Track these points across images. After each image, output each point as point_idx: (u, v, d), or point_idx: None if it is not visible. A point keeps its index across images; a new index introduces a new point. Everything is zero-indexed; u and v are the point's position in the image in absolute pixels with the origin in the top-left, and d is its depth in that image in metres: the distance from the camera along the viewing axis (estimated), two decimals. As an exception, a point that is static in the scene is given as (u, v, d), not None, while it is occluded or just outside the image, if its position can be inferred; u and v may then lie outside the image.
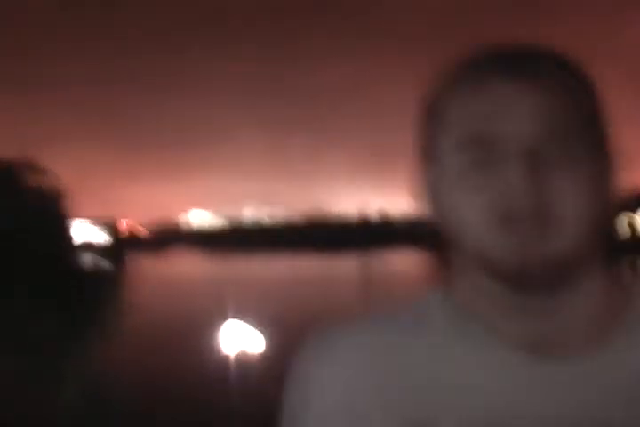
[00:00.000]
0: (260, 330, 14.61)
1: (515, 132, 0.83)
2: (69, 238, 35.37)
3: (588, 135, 0.85)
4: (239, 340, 13.86)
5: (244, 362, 11.84)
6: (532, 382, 0.88)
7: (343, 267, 44.51)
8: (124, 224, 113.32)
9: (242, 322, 15.82)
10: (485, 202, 0.84)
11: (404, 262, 46.65)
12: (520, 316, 0.89)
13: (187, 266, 52.25)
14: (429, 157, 0.91)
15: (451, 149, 0.87)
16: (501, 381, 0.89)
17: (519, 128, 0.83)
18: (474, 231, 0.85)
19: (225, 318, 16.44)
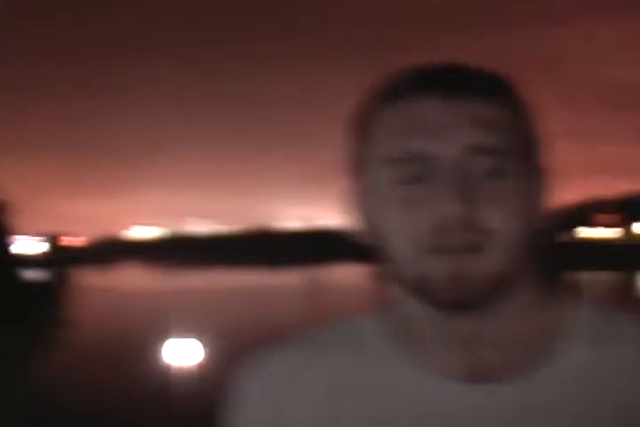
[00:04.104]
0: (202, 343, 14.52)
1: (443, 149, 0.83)
2: (10, 253, 34.82)
3: (518, 152, 0.85)
4: (181, 353, 13.77)
5: (185, 375, 11.76)
6: (467, 410, 0.87)
7: (287, 281, 44.44)
8: (66, 239, 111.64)
9: (184, 336, 15.72)
10: (416, 220, 0.83)
11: (349, 276, 46.71)
12: (450, 339, 0.88)
13: (130, 280, 51.72)
14: (359, 173, 0.91)
15: (380, 166, 0.86)
16: (433, 409, 0.88)
17: (447, 146, 0.83)
18: (404, 249, 0.84)
19: (167, 332, 16.31)
